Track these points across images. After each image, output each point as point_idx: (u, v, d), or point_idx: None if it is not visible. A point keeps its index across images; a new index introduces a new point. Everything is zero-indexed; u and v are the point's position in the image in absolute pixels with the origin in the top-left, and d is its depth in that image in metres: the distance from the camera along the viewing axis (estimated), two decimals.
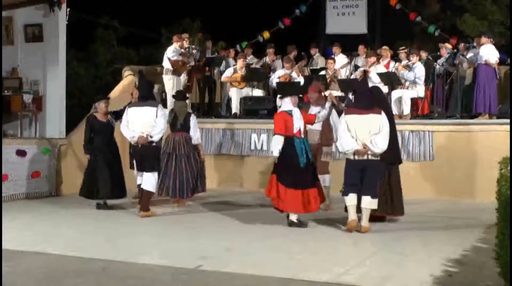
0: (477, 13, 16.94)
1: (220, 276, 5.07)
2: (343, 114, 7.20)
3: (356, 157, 6.96)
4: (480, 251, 5.96)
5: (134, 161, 8.45)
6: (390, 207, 7.44)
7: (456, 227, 7.41)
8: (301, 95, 10.52)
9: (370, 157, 6.92)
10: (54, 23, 11.42)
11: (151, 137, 8.11)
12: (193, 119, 8.87)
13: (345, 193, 7.08)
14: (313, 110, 8.48)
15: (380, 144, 6.86)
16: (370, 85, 11.13)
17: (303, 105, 8.88)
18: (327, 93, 9.17)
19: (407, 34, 16.99)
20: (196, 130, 8.89)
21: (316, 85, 9.04)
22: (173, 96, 9.62)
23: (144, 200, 8.18)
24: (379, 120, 6.93)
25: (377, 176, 6.99)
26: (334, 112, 8.54)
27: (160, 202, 8.95)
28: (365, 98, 7.12)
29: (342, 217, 7.49)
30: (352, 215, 7.02)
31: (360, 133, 6.91)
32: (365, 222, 6.98)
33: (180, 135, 8.78)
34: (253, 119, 11.46)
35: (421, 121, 10.64)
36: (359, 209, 7.05)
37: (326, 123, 8.47)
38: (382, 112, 7.03)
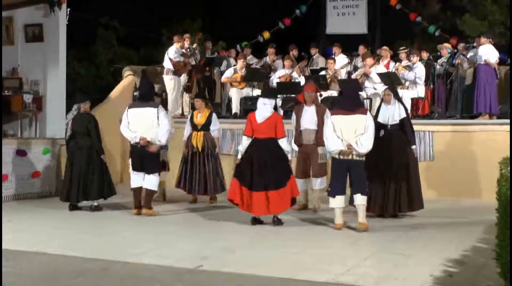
0: (477, 14, 16.93)
1: (220, 276, 5.07)
2: (329, 115, 7.25)
3: (341, 157, 7.03)
4: (480, 251, 5.96)
5: (130, 161, 8.39)
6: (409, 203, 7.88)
7: (456, 227, 7.41)
8: (294, 95, 10.54)
9: (354, 157, 7.00)
10: (54, 23, 11.42)
11: (159, 141, 8.11)
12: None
13: (331, 194, 7.13)
14: (307, 110, 8.45)
15: (365, 144, 6.94)
16: (371, 85, 11.20)
17: (296, 105, 8.87)
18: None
19: (407, 34, 16.99)
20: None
21: (312, 83, 8.98)
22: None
23: (147, 198, 8.18)
24: (364, 121, 7.00)
25: (363, 173, 7.07)
26: (328, 112, 8.51)
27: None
28: (352, 99, 7.21)
29: None
30: (338, 219, 7.12)
31: (346, 134, 6.99)
32: (362, 218, 7.03)
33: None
34: None
35: (421, 121, 10.62)
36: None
37: (322, 122, 8.38)
38: (368, 113, 7.19)
